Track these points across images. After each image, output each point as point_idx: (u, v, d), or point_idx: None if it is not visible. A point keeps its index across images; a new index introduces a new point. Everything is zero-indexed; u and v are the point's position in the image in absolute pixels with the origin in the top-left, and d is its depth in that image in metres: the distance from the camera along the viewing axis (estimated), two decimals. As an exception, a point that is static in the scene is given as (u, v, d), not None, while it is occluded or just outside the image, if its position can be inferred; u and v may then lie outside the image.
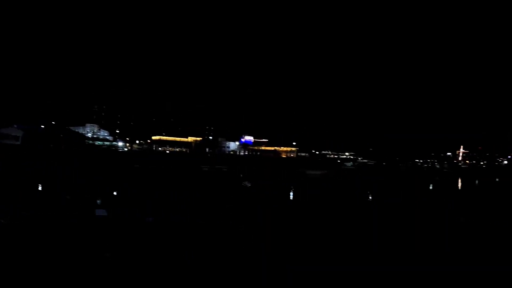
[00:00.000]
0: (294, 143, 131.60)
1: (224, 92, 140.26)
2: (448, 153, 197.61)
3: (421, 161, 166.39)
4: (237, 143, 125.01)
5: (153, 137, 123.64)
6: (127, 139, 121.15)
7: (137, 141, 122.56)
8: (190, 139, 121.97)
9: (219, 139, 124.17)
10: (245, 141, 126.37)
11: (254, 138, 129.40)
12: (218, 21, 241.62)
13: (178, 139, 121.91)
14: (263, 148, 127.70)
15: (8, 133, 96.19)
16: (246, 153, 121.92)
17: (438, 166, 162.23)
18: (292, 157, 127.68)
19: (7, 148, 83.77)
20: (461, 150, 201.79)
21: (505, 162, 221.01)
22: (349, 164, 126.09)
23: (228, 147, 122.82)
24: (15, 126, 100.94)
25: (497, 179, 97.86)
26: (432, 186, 66.49)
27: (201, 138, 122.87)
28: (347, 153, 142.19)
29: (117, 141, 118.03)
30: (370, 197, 40.72)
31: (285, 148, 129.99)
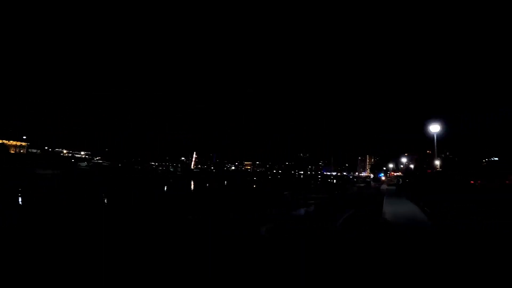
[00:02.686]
0: (24, 137, 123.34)
1: None
2: (182, 158, 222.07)
3: (156, 163, 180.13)
4: None
5: None
6: None
7: None
8: None
9: None
10: None
11: None
12: None
13: None
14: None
15: None
16: None
17: (172, 169, 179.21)
18: (21, 153, 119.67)
19: None
20: (194, 155, 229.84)
21: (233, 167, 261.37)
22: (84, 164, 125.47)
23: None
24: None
25: (225, 182, 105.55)
26: (167, 188, 67.90)
27: None
28: (83, 152, 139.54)
29: None
30: (105, 200, 40.16)
31: (14, 142, 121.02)
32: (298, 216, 26.67)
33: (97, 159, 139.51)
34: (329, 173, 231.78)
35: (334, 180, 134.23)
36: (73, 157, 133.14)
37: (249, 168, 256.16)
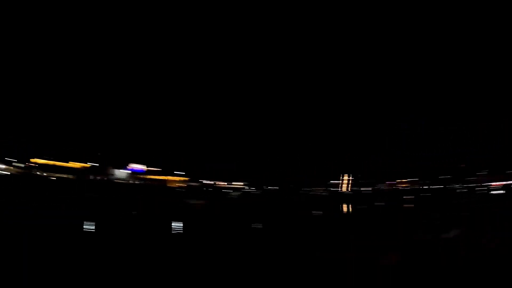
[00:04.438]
0: (184, 173, 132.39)
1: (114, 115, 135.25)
2: (332, 181, 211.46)
3: (308, 189, 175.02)
4: (126, 171, 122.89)
5: (33, 160, 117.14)
6: (6, 159, 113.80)
7: (16, 164, 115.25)
8: (76, 164, 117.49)
9: (107, 166, 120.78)
10: (135, 169, 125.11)
11: (147, 166, 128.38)
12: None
13: (61, 164, 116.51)
14: (152, 177, 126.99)
15: None
16: (136, 183, 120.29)
17: (324, 194, 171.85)
18: (178, 186, 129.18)
19: None
20: (346, 177, 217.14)
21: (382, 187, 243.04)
22: (235, 193, 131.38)
23: (117, 175, 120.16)
24: None
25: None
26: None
27: (89, 165, 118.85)
28: (239, 183, 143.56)
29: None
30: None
31: (174, 178, 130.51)
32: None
33: (248, 188, 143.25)
34: None
35: None
36: (226, 187, 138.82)
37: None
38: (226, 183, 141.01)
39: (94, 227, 32.12)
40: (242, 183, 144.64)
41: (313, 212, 75.20)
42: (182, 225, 38.35)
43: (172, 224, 38.96)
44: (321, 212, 74.50)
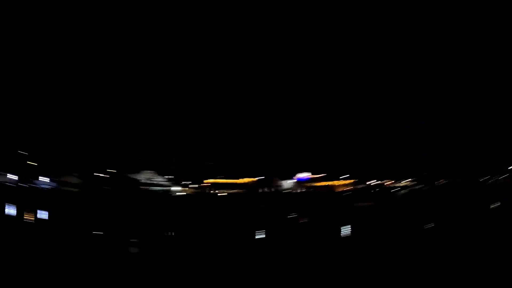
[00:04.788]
0: (348, 175, 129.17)
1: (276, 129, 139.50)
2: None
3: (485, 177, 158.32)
4: (292, 181, 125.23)
5: (206, 180, 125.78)
6: (183, 183, 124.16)
7: (191, 185, 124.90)
8: (245, 180, 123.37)
9: (275, 178, 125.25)
10: (300, 178, 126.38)
11: (312, 173, 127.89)
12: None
13: (231, 181, 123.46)
14: (317, 184, 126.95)
15: (67, 180, 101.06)
16: (302, 191, 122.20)
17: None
18: (344, 190, 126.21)
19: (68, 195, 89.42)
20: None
21: None
22: (404, 192, 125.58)
23: (284, 185, 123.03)
24: (74, 174, 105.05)
25: None
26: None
27: (256, 179, 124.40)
28: (406, 180, 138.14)
29: (172, 186, 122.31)
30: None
31: (340, 182, 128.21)
32: None
33: (417, 185, 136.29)
34: None
35: None
36: (394, 186, 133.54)
37: None
38: (393, 182, 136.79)
39: (264, 235, 33.20)
40: (409, 180, 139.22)
41: (491, 206, 69.35)
42: (350, 228, 37.64)
43: (341, 228, 38.41)
44: (499, 204, 68.24)
